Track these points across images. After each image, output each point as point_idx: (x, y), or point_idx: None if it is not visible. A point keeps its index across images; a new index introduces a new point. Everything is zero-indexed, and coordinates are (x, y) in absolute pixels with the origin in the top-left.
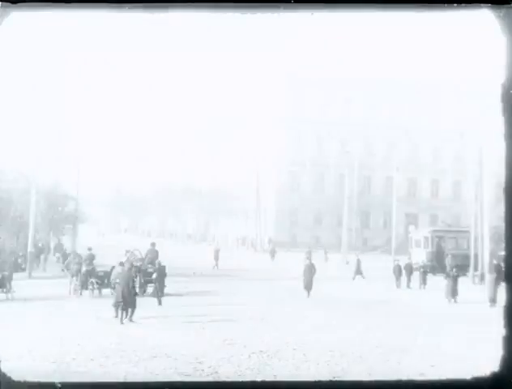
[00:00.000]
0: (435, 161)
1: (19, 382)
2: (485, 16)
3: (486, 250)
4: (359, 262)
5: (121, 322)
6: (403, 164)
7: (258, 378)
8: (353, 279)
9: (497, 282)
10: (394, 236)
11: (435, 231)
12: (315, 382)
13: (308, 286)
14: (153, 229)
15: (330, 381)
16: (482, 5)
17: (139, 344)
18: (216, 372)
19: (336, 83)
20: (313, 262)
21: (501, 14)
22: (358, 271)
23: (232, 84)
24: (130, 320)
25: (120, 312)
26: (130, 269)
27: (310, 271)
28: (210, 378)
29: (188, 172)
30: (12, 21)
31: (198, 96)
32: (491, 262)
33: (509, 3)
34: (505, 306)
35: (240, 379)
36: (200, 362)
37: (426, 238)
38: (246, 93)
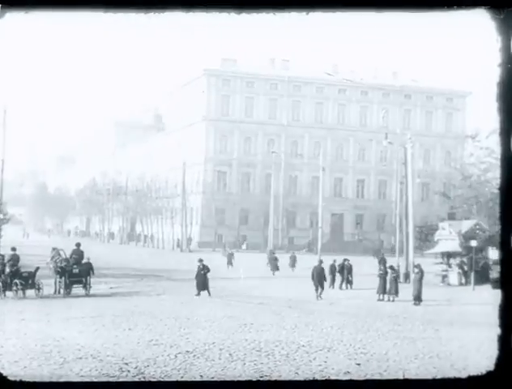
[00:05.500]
0: (360, 161)
1: (14, 382)
2: (483, 18)
3: (411, 249)
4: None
5: (317, 299)
6: (329, 164)
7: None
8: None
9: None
10: (320, 235)
11: None
12: (311, 381)
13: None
14: (78, 229)
15: (326, 380)
16: (482, 7)
17: (65, 345)
18: (142, 373)
19: (263, 82)
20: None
21: (501, 17)
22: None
23: (160, 84)
24: (320, 297)
25: (318, 291)
26: (320, 263)
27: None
28: (136, 379)
29: (114, 171)
30: (6, 22)
31: (126, 95)
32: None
33: (508, 6)
34: (499, 306)
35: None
36: (126, 363)
37: None
38: (174, 93)
